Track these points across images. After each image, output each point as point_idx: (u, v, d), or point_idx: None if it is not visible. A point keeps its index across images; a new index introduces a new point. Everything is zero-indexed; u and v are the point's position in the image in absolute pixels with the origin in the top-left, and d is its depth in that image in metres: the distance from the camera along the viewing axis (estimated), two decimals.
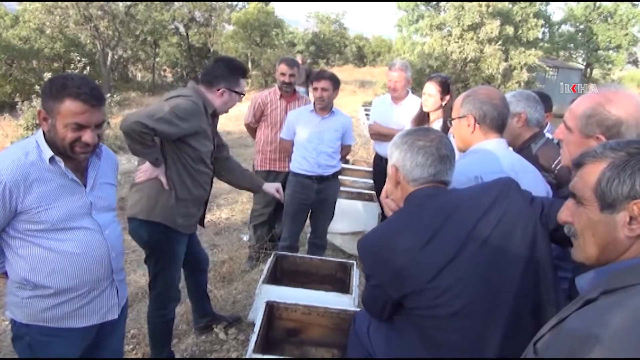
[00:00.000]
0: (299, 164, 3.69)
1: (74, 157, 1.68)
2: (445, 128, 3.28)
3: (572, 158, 1.54)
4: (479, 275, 1.36)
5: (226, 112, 2.67)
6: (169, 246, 2.56)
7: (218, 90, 2.53)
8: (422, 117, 3.43)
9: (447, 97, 3.30)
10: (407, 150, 1.58)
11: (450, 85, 3.33)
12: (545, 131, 3.11)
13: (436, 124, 3.37)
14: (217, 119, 2.69)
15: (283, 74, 3.97)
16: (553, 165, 2.32)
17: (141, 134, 2.22)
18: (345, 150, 3.89)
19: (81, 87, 1.60)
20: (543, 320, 1.34)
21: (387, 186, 1.69)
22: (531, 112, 2.41)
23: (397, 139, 1.65)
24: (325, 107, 3.58)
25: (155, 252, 2.56)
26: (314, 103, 3.62)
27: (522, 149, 2.40)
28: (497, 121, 1.91)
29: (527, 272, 1.36)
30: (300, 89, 15.03)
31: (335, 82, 3.55)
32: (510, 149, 2.52)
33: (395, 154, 1.61)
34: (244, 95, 2.66)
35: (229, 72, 2.54)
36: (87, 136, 1.63)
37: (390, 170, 1.64)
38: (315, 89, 3.54)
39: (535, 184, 1.86)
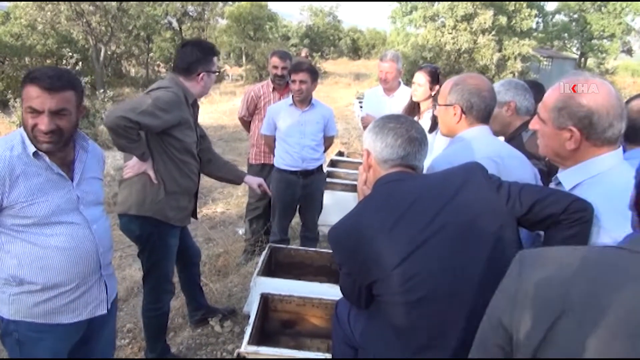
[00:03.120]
0: (282, 159, 3.67)
1: (39, 147, 1.65)
2: (436, 118, 3.28)
3: (549, 150, 1.57)
4: (444, 262, 1.37)
5: (206, 94, 2.69)
6: (161, 239, 2.56)
7: (198, 75, 2.52)
8: (413, 108, 3.43)
9: (437, 87, 3.29)
10: (378, 132, 1.61)
11: (439, 75, 3.33)
12: None
13: (426, 114, 3.36)
14: (198, 108, 2.70)
15: (275, 67, 3.96)
16: None
17: (126, 129, 2.22)
18: (328, 141, 3.88)
19: (42, 73, 1.59)
20: None
21: (363, 173, 1.70)
22: (520, 101, 2.41)
23: (370, 125, 1.68)
24: (304, 100, 3.56)
25: (147, 247, 2.56)
26: (292, 96, 3.59)
27: (513, 137, 2.41)
28: (483, 113, 1.91)
29: (492, 258, 1.37)
30: None
31: (314, 74, 3.53)
32: (502, 138, 2.54)
33: (368, 138, 1.64)
34: (218, 72, 2.67)
35: (203, 55, 2.53)
36: (41, 123, 1.59)
37: (363, 155, 1.67)
38: (293, 81, 3.50)
39: (522, 168, 1.87)
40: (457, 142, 1.92)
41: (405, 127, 1.59)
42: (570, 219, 1.36)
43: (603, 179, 1.46)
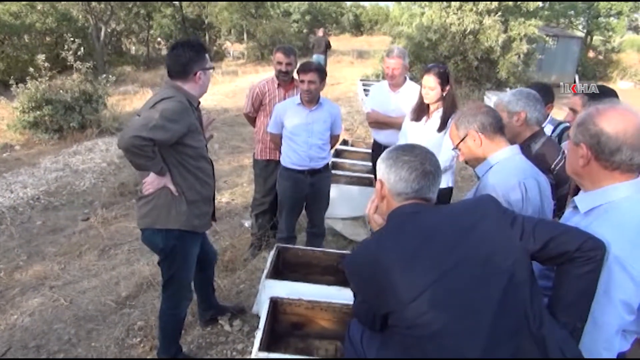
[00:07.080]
0: (289, 158, 3.65)
1: None
2: (445, 118, 3.28)
3: (569, 167, 1.64)
4: (459, 298, 1.38)
5: (205, 92, 2.68)
6: (184, 250, 2.60)
7: (195, 75, 2.51)
8: (422, 108, 3.42)
9: (447, 88, 3.28)
10: (392, 164, 1.62)
11: (449, 75, 3.30)
12: (546, 122, 3.12)
13: (436, 114, 3.36)
14: (200, 112, 2.70)
15: (280, 63, 3.91)
16: (552, 166, 2.34)
17: (141, 147, 2.21)
18: (333, 140, 3.87)
19: None
20: (521, 339, 1.37)
21: (375, 202, 1.72)
22: (531, 111, 2.41)
23: (384, 153, 1.69)
24: (312, 100, 3.54)
25: (169, 257, 2.59)
26: (300, 96, 3.56)
27: (522, 148, 2.41)
28: (495, 125, 2.03)
29: (506, 296, 1.38)
30: (321, 57, 15.18)
31: (322, 74, 3.48)
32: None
33: (381, 168, 1.66)
34: (213, 68, 2.67)
35: (195, 54, 2.51)
36: None
37: (377, 184, 1.68)
38: (302, 81, 3.47)
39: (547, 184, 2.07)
40: (495, 167, 2.09)
41: (420, 159, 1.60)
42: (584, 257, 1.38)
43: (618, 207, 1.49)
